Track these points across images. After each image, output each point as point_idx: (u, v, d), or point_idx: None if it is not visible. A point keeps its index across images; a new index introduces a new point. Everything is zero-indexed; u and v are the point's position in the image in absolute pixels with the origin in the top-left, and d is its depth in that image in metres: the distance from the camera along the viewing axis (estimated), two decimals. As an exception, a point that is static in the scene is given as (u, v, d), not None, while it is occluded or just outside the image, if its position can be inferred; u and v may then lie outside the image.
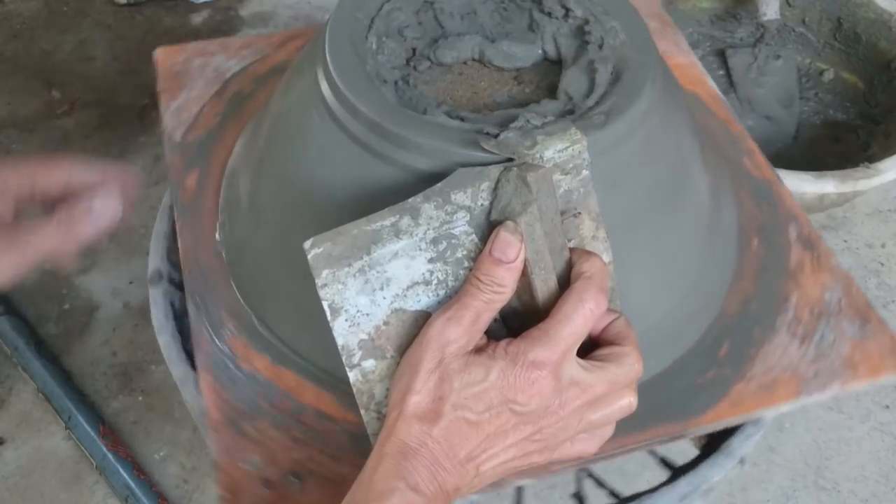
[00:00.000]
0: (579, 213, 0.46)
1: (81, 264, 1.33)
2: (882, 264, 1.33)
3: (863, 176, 1.10)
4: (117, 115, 1.55)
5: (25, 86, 1.61)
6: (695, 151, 0.59)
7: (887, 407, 1.20)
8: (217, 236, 0.62)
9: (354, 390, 0.46)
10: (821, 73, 1.38)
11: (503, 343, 0.43)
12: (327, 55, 0.53)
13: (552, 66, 0.59)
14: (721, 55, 1.41)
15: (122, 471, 1.08)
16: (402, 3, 0.58)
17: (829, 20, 1.35)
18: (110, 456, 1.09)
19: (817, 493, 1.12)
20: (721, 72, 1.39)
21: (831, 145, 1.35)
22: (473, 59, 0.59)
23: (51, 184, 0.55)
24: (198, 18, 1.75)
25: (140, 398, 1.19)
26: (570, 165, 0.45)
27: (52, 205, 0.54)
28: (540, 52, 0.59)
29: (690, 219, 0.57)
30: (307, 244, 0.43)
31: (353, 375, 0.45)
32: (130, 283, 1.31)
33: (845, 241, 1.37)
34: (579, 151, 0.45)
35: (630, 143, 0.51)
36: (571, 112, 0.52)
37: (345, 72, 0.52)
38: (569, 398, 0.43)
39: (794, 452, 1.15)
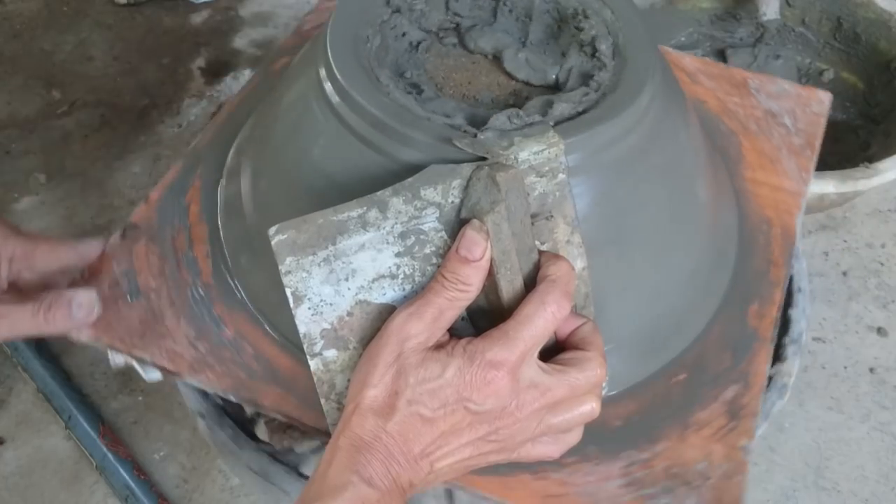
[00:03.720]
0: (553, 216, 0.46)
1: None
2: (882, 264, 1.33)
3: (863, 176, 1.10)
4: (117, 115, 1.55)
5: (25, 86, 1.61)
6: (693, 144, 0.59)
7: (887, 407, 1.20)
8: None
9: (315, 379, 0.46)
10: (821, 73, 1.38)
11: (463, 341, 0.43)
12: (328, 48, 0.53)
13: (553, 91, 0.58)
14: (721, 55, 1.41)
15: (122, 471, 1.08)
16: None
17: (829, 20, 1.35)
18: (110, 456, 1.09)
19: (817, 493, 1.12)
20: (721, 72, 1.39)
21: (831, 145, 1.35)
22: (491, 56, 0.59)
23: (49, 262, 0.57)
24: (198, 18, 1.75)
25: (140, 398, 1.19)
26: (546, 168, 0.45)
27: (38, 282, 0.56)
28: (553, 77, 0.57)
29: (691, 211, 0.57)
30: (272, 230, 0.43)
31: (314, 364, 0.46)
32: (130, 283, 1.30)
33: (845, 241, 1.36)
34: (556, 155, 0.45)
35: (633, 136, 0.51)
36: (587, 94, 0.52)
37: (345, 65, 0.52)
38: (526, 400, 0.42)
39: (794, 452, 1.15)
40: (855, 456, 1.15)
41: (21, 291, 0.56)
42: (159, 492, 1.08)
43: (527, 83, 0.58)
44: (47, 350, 1.21)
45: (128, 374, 1.21)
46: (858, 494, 1.11)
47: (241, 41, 1.71)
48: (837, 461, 1.14)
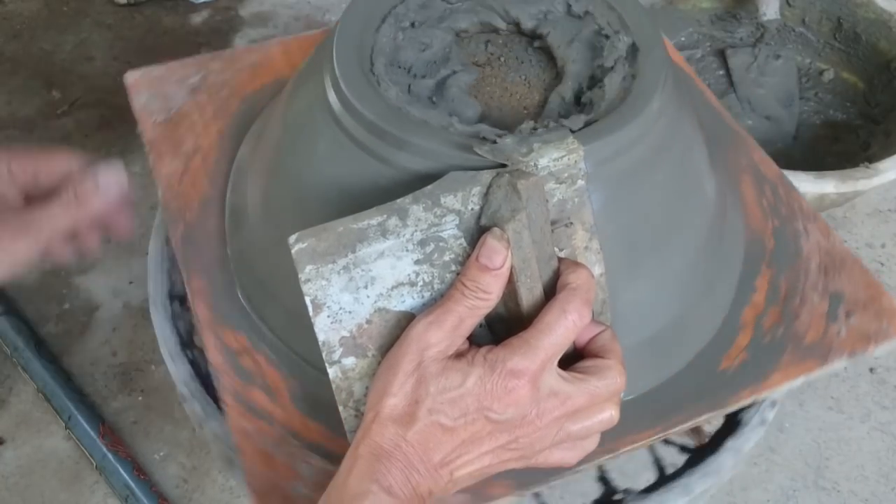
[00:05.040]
0: (572, 223, 0.46)
1: (81, 264, 1.33)
2: (882, 264, 1.33)
3: (863, 176, 1.10)
4: (117, 115, 1.55)
5: (25, 86, 1.61)
6: (702, 151, 0.59)
7: (887, 407, 1.20)
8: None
9: (333, 387, 0.46)
10: (821, 73, 1.38)
11: (483, 350, 0.42)
12: (335, 60, 0.53)
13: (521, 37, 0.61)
14: (721, 55, 1.41)
15: (122, 471, 1.08)
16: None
17: (829, 20, 1.35)
18: (110, 456, 1.09)
19: (817, 493, 1.12)
20: (721, 72, 1.39)
21: (831, 145, 1.35)
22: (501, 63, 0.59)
23: (53, 173, 0.55)
24: (198, 18, 1.75)
25: (140, 398, 1.19)
26: (566, 175, 0.45)
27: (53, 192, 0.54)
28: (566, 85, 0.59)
29: (699, 221, 0.57)
30: (292, 239, 0.43)
31: (332, 372, 0.45)
32: (130, 283, 1.31)
33: (845, 241, 1.36)
34: (575, 161, 0.45)
35: (641, 146, 0.51)
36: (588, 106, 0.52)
37: (350, 76, 0.52)
38: (547, 408, 0.42)
39: (794, 452, 1.15)
40: (855, 456, 1.15)
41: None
42: (159, 492, 1.08)
43: (539, 90, 0.58)
44: (47, 350, 1.21)
45: (128, 374, 1.21)
46: (858, 494, 1.12)
47: (241, 41, 1.71)
48: (837, 461, 1.14)
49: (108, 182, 0.54)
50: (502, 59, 0.60)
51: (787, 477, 1.13)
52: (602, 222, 0.50)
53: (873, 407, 1.20)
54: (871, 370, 1.23)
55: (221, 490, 1.11)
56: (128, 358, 1.23)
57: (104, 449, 1.10)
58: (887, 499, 1.11)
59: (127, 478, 1.07)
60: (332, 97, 0.52)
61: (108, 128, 1.54)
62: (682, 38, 1.40)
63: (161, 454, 1.14)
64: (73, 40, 1.70)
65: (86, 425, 1.12)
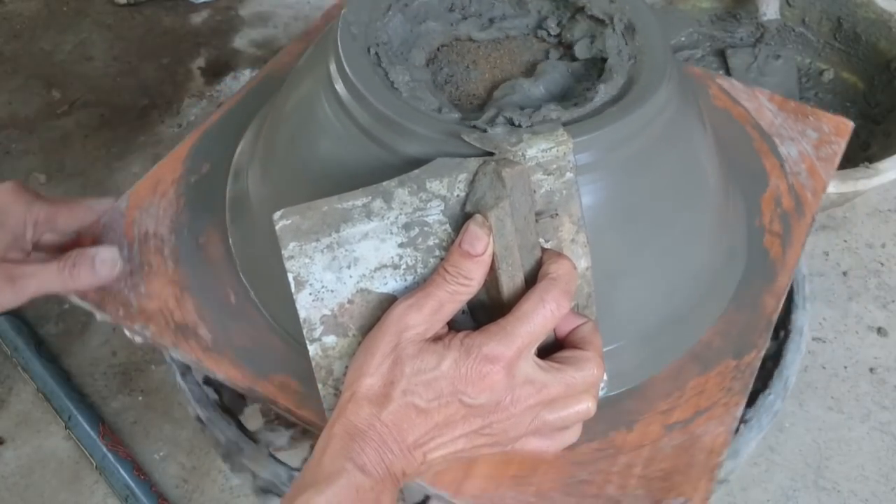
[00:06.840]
0: (558, 214, 0.46)
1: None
2: (882, 264, 1.33)
3: (863, 176, 1.10)
4: (117, 115, 1.55)
5: (25, 86, 1.61)
6: (705, 143, 0.59)
7: (887, 407, 1.20)
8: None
9: (313, 364, 0.46)
10: (821, 73, 1.38)
11: (460, 335, 0.43)
12: (340, 48, 0.54)
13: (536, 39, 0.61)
14: (721, 55, 1.41)
15: (121, 471, 1.08)
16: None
17: (829, 20, 1.35)
18: (110, 456, 1.09)
19: (817, 493, 1.12)
20: (721, 72, 1.39)
21: (831, 145, 1.35)
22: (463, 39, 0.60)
23: (72, 222, 0.61)
24: (197, 18, 1.75)
25: (140, 398, 1.19)
26: (554, 166, 0.46)
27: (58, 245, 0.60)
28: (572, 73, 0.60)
29: (703, 207, 0.58)
30: (276, 215, 0.44)
31: (312, 349, 0.46)
32: (130, 283, 1.31)
33: (845, 241, 1.37)
34: (564, 153, 0.45)
35: (645, 136, 0.52)
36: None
37: (355, 61, 0.53)
38: (521, 396, 0.43)
39: (794, 452, 1.15)
40: (855, 456, 1.15)
41: (44, 252, 0.59)
42: (159, 492, 1.08)
43: (546, 75, 0.58)
44: (47, 350, 1.21)
45: (128, 374, 1.21)
46: (858, 494, 1.12)
47: (241, 41, 1.71)
48: (837, 461, 1.14)
49: (104, 262, 0.58)
50: (504, 47, 0.60)
51: (787, 477, 1.13)
52: (606, 209, 0.50)
53: (873, 407, 1.20)
54: (871, 370, 1.23)
55: (221, 490, 1.11)
56: (128, 358, 1.23)
57: (104, 449, 1.10)
58: (887, 499, 1.11)
59: (127, 478, 1.07)
60: (339, 86, 0.53)
61: (108, 128, 1.54)
62: (682, 38, 1.40)
63: (161, 454, 1.14)
64: (73, 40, 1.70)
65: (86, 425, 1.12)
